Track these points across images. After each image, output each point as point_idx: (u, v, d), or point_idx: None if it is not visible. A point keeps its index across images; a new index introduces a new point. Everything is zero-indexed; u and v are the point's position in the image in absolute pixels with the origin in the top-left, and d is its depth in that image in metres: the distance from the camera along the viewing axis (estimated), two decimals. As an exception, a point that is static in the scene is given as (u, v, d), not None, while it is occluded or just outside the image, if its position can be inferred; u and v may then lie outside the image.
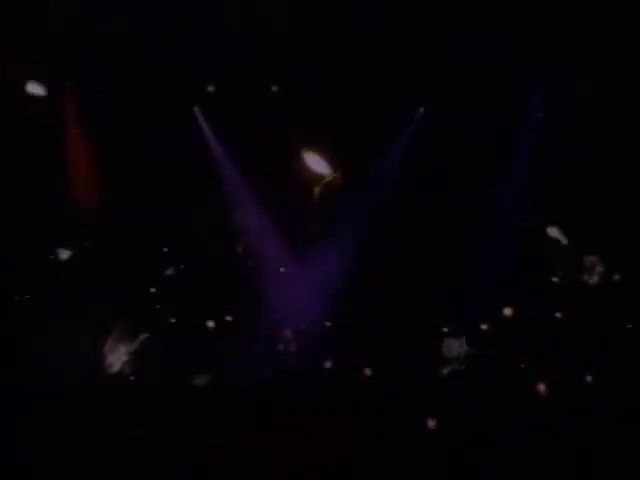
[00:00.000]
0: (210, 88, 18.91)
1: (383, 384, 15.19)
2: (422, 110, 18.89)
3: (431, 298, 17.81)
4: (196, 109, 19.00)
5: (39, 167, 17.57)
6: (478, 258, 18.29)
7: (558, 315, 16.84)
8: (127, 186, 18.18)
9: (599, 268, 16.88)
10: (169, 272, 15.90)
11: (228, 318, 18.25)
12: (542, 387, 13.49)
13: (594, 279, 16.94)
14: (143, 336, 16.86)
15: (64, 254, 15.40)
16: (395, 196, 18.59)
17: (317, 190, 18.22)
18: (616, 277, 17.39)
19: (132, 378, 16.53)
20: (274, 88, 19.02)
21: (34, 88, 16.59)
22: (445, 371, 15.70)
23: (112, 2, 16.85)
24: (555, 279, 17.30)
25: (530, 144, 18.58)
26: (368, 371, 14.96)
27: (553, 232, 16.87)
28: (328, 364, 15.91)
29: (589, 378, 14.00)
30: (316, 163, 18.30)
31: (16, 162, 17.41)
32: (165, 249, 18.48)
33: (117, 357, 16.76)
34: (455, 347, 16.76)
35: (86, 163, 18.34)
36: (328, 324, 18.02)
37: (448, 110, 17.87)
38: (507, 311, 12.89)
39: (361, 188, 18.94)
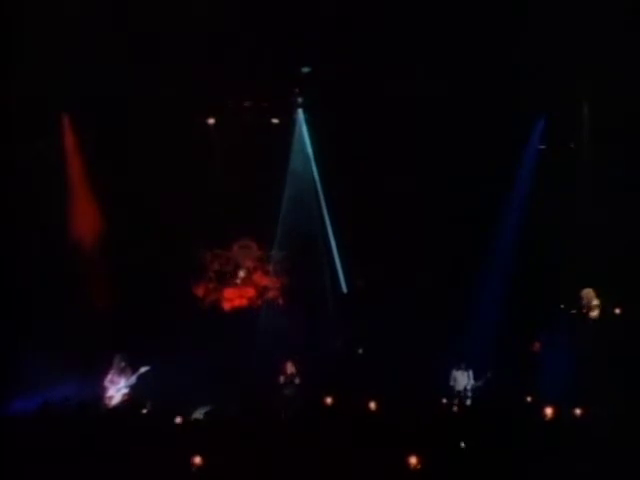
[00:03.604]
0: (210, 120, 19.10)
1: (388, 417, 15.02)
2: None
3: (437, 332, 17.78)
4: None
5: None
6: (483, 290, 18.42)
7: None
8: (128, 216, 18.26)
9: (595, 301, 16.89)
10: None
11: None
12: (549, 411, 13.42)
13: (594, 313, 16.94)
14: (144, 369, 16.76)
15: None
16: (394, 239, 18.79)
17: None
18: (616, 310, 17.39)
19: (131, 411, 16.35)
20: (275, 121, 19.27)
21: None
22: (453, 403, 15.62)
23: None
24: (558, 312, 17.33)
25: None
26: (373, 404, 14.83)
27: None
28: (329, 400, 15.78)
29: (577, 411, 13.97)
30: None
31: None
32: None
33: (117, 390, 16.73)
34: (462, 380, 16.70)
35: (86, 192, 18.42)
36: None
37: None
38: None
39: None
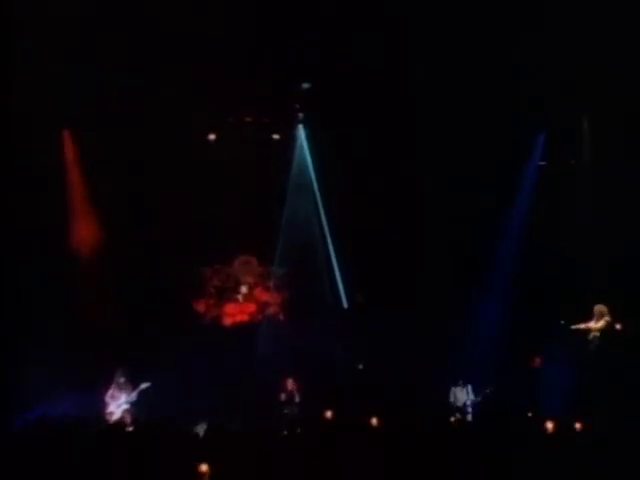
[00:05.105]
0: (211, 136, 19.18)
1: (389, 433, 14.98)
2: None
3: (437, 347, 17.77)
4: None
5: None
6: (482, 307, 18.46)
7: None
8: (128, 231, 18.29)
9: (607, 317, 16.89)
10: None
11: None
12: (550, 426, 13.40)
13: (600, 325, 16.94)
14: (144, 385, 16.74)
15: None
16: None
17: None
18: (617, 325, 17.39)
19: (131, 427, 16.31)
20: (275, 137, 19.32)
21: None
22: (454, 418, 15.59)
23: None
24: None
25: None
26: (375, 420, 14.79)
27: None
28: (328, 414, 15.73)
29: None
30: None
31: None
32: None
33: (118, 405, 16.71)
34: (461, 395, 16.68)
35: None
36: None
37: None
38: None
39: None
